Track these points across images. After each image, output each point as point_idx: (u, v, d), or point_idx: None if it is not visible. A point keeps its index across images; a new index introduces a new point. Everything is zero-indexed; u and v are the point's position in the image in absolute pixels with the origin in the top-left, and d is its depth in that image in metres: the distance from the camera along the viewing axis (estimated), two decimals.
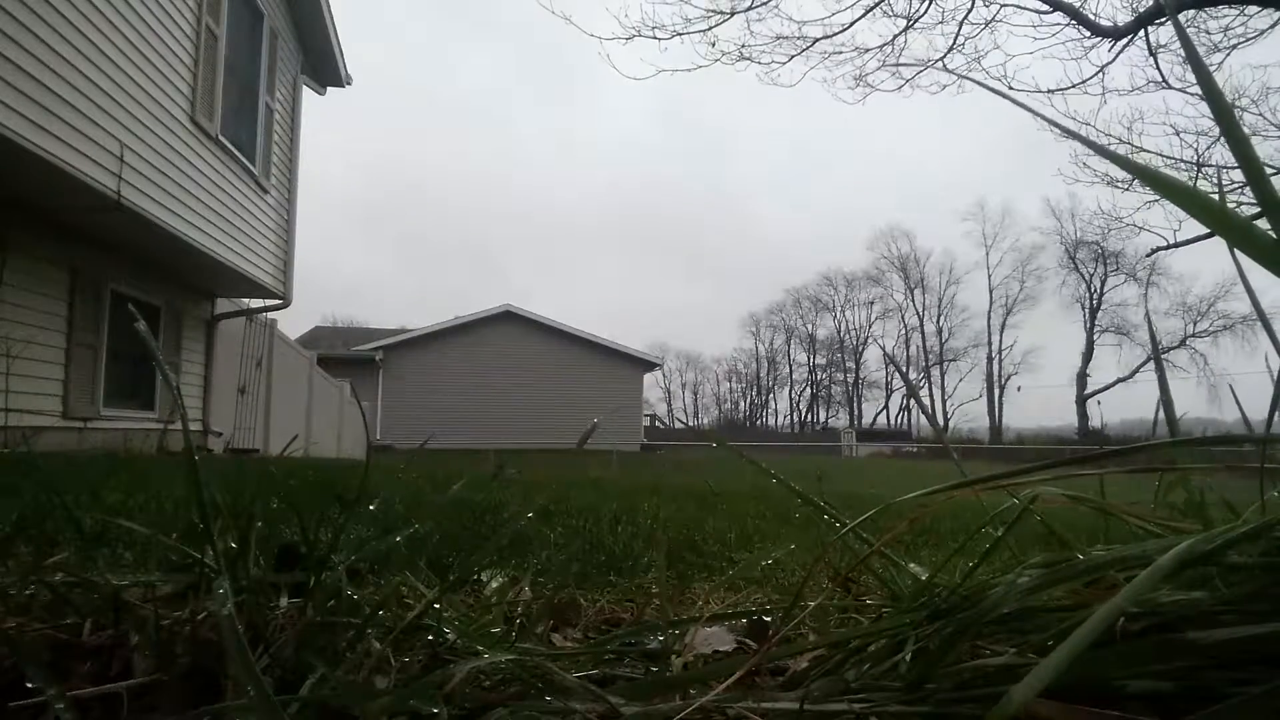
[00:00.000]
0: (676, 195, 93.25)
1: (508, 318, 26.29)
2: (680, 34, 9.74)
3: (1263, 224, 0.54)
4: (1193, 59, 0.56)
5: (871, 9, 9.60)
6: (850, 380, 63.54)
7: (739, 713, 0.63)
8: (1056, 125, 0.55)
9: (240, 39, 8.34)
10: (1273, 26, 8.73)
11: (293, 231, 9.95)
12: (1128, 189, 10.39)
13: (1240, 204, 6.04)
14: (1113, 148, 10.19)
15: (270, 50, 9.03)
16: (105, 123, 5.78)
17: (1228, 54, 9.02)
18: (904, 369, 55.63)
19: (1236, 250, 0.57)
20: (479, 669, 0.69)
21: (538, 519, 2.13)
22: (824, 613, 0.95)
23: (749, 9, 9.60)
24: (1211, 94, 0.55)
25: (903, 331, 60.02)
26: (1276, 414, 0.68)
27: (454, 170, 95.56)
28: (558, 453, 17.57)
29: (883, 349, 61.40)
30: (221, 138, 7.76)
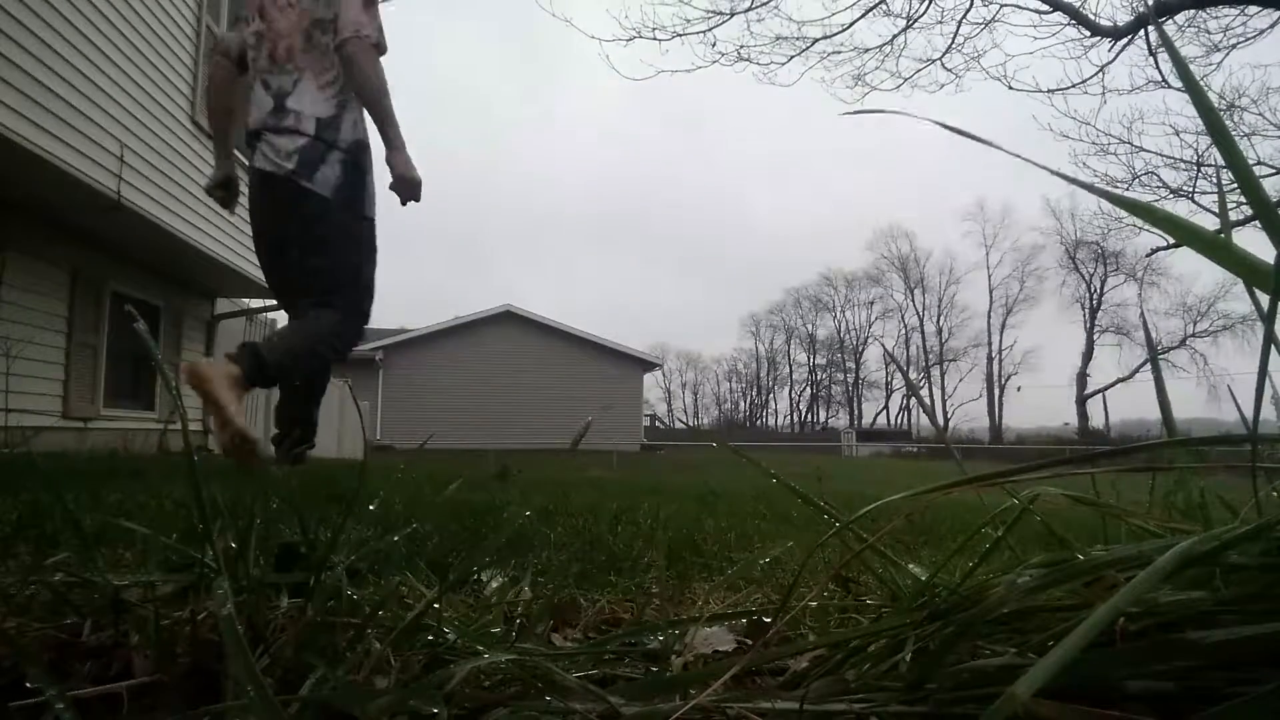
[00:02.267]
0: (677, 195, 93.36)
1: (508, 318, 26.27)
2: (680, 35, 9.77)
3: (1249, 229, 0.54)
4: (1178, 64, 0.56)
5: (871, 9, 9.61)
6: (850, 380, 63.58)
7: (739, 713, 0.63)
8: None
9: None
10: (1272, 26, 8.73)
11: None
12: (1128, 189, 10.39)
13: (1240, 204, 6.05)
14: (1112, 147, 10.21)
15: None
16: (105, 123, 5.78)
17: (1227, 53, 9.02)
18: (904, 367, 55.64)
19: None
20: (479, 669, 0.69)
21: (538, 519, 2.13)
22: (824, 613, 0.95)
23: (749, 9, 9.62)
24: (1198, 96, 0.55)
25: (903, 331, 59.99)
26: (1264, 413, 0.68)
27: (454, 169, 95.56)
28: (558, 453, 17.57)
29: (884, 347, 61.45)
30: None
